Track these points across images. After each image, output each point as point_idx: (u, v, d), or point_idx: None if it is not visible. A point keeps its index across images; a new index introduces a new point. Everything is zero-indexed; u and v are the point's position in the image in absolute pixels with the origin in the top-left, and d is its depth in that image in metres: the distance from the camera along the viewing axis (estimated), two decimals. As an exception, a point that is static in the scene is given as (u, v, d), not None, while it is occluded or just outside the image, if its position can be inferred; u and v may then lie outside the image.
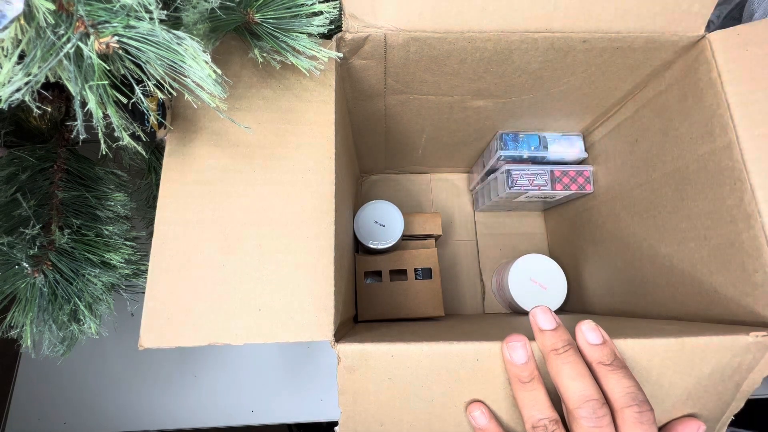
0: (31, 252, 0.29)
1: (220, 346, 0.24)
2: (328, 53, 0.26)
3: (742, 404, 0.25)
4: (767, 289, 0.27)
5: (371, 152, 0.54)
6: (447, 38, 0.30)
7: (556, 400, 0.24)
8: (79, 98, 0.19)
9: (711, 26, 0.50)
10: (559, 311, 0.56)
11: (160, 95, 0.21)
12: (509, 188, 0.48)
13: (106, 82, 0.19)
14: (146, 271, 0.25)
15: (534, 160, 0.49)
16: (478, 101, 0.40)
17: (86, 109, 0.19)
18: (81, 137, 0.20)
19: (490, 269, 0.59)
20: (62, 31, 0.18)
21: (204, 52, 0.20)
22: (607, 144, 0.45)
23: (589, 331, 0.24)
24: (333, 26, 0.27)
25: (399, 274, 0.50)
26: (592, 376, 0.23)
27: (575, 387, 0.22)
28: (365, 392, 0.25)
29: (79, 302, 0.31)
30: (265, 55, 0.26)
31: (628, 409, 0.21)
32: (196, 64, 0.20)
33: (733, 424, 0.25)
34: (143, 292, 0.25)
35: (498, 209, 0.60)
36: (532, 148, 0.48)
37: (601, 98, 0.41)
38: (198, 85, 0.21)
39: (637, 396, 0.22)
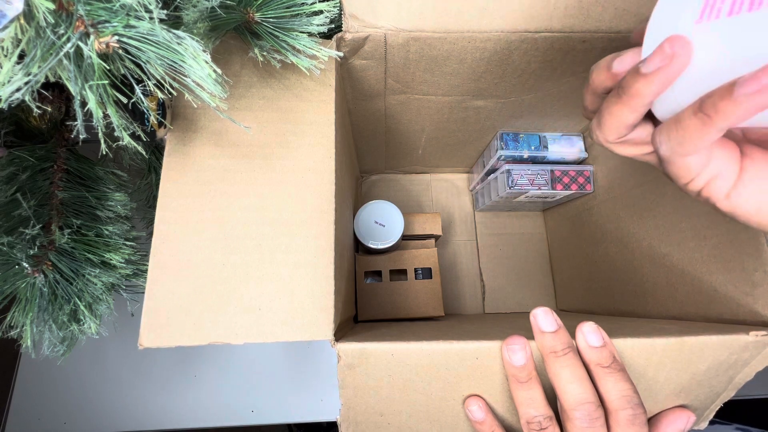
0: (31, 252, 0.29)
1: (220, 346, 0.24)
2: (328, 52, 0.26)
3: (732, 394, 0.26)
4: (767, 288, 0.27)
5: (371, 152, 0.54)
6: (447, 38, 0.30)
7: (551, 395, 0.24)
8: (79, 98, 0.19)
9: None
10: (560, 311, 0.56)
11: (160, 95, 0.21)
12: (509, 188, 0.48)
13: (106, 81, 0.19)
14: (146, 271, 0.25)
15: (534, 160, 0.49)
16: (478, 101, 0.40)
17: (86, 108, 0.19)
18: (81, 137, 0.20)
19: (490, 269, 0.59)
20: (62, 31, 0.18)
21: (204, 51, 0.20)
22: (607, 144, 0.45)
23: (590, 333, 0.24)
24: (333, 26, 0.27)
25: (399, 274, 0.50)
26: (589, 376, 0.23)
27: (572, 390, 0.22)
28: (365, 387, 0.25)
29: (79, 302, 0.31)
30: (265, 54, 0.26)
31: (623, 411, 0.22)
32: (196, 63, 0.20)
33: (745, 422, 0.26)
34: (143, 292, 0.25)
35: (498, 209, 0.60)
36: (533, 147, 0.48)
37: (601, 98, 0.41)
38: (198, 84, 0.21)
39: (632, 399, 0.22)
